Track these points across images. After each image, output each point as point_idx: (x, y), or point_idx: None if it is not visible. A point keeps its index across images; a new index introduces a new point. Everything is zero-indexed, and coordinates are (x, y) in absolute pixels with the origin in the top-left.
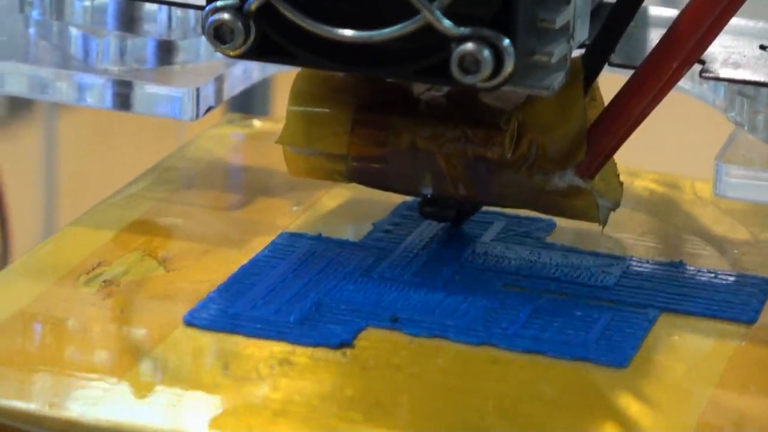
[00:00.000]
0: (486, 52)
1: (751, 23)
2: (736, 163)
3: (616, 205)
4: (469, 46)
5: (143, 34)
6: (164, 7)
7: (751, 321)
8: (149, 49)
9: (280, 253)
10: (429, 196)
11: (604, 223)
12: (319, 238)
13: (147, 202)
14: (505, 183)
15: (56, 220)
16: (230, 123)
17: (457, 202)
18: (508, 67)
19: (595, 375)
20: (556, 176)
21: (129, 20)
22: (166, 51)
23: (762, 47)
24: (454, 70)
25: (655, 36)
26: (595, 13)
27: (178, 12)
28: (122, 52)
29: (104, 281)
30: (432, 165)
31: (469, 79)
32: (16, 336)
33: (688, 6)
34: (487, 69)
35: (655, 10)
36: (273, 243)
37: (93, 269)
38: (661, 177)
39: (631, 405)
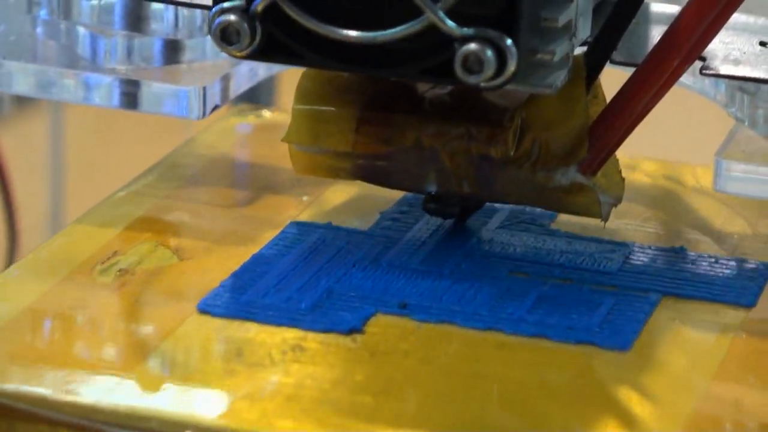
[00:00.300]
0: (489, 52)
1: (751, 19)
2: (736, 158)
3: (617, 201)
4: (473, 46)
5: (150, 33)
6: (171, 7)
7: (750, 305)
8: (156, 48)
9: (291, 242)
10: (433, 193)
11: (606, 218)
12: (328, 226)
13: (152, 199)
14: (509, 180)
15: (63, 212)
16: (240, 114)
17: (461, 199)
18: (511, 66)
19: (598, 358)
20: (559, 173)
21: (136, 19)
22: (172, 50)
23: (762, 44)
24: (458, 70)
25: (656, 33)
26: (597, 10)
27: (184, 11)
28: (129, 52)
29: (120, 270)
30: (436, 162)
31: (472, 79)
32: (26, 332)
33: (689, 3)
34: (490, 69)
35: (657, 7)
36: (283, 232)
37: (108, 258)
38: (663, 165)
39: (632, 389)
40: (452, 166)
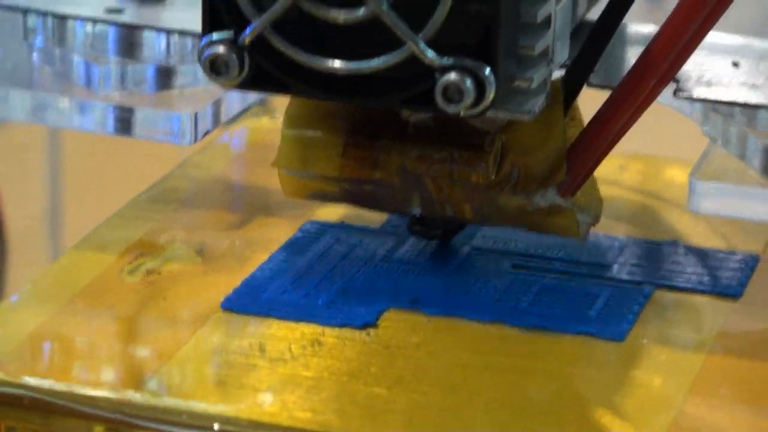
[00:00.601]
0: (468, 82)
1: (725, 38)
2: (710, 178)
3: (596, 220)
4: (452, 76)
5: (143, 59)
6: (163, 34)
7: (737, 295)
8: (149, 75)
9: (307, 240)
10: (418, 216)
11: (584, 237)
12: (341, 225)
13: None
14: (489, 203)
15: (61, 214)
16: (255, 116)
17: (444, 222)
18: (490, 95)
19: (595, 349)
20: (538, 195)
21: (129, 47)
22: (165, 76)
23: (734, 64)
24: (439, 100)
25: (632, 55)
26: (574, 33)
27: (176, 38)
28: (123, 78)
29: (147, 271)
30: (420, 186)
31: (452, 108)
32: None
33: (664, 25)
34: (469, 98)
35: (633, 28)
36: (299, 231)
37: (135, 259)
38: (652, 159)
39: (627, 373)
40: (435, 189)
